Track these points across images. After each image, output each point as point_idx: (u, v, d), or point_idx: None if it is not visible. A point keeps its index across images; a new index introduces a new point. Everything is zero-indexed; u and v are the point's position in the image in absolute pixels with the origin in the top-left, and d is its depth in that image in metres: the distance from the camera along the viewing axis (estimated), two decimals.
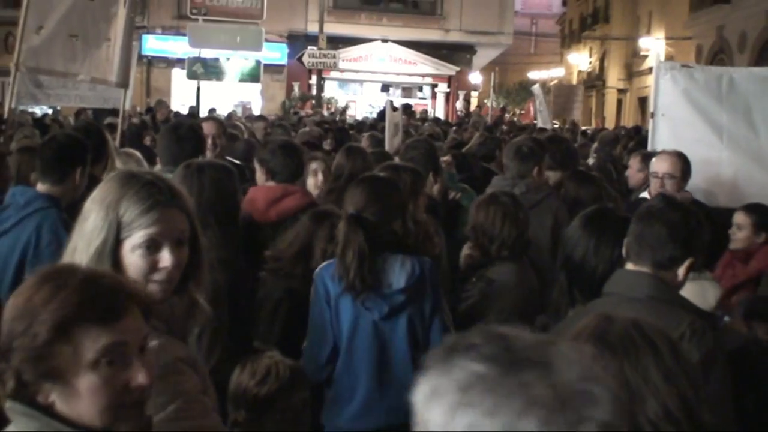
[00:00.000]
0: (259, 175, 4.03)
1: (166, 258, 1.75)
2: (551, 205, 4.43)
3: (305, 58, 19.19)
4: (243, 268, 3.08)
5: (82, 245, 1.73)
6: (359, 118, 19.31)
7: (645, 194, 4.81)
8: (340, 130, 10.35)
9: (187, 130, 3.86)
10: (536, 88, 14.24)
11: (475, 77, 29.03)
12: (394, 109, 8.23)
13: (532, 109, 20.06)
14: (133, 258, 1.73)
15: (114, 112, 9.58)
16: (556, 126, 13.15)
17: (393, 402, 2.94)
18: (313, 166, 5.20)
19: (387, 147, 6.78)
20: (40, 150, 3.53)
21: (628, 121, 30.64)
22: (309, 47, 20.18)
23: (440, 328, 3.04)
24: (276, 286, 3.30)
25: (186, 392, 1.65)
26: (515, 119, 23.44)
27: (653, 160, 4.81)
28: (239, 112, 18.42)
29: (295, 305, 3.21)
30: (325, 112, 18.66)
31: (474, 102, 28.30)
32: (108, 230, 1.72)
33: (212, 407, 1.75)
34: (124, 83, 6.80)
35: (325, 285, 3.02)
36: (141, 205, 1.73)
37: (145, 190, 1.75)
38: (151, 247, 1.74)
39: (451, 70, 25.88)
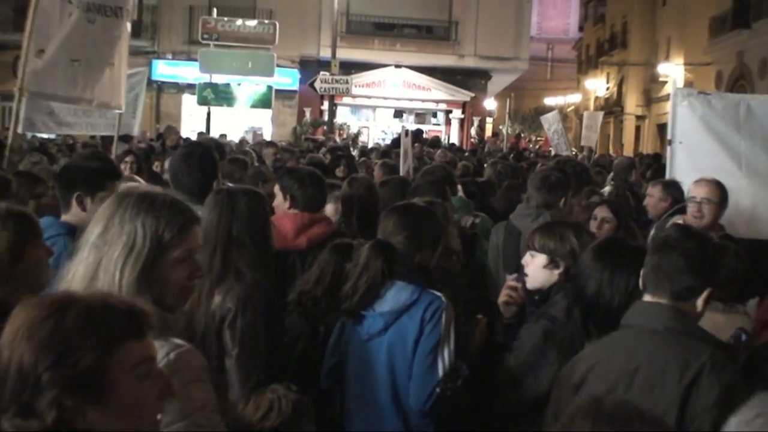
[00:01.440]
0: (279, 202, 4.05)
1: (199, 266, 2.00)
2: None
3: (317, 84, 19.04)
4: (274, 294, 3.18)
5: (114, 259, 1.88)
6: (372, 144, 19.46)
7: (679, 220, 4.75)
8: (350, 157, 10.40)
9: (199, 158, 3.88)
10: (549, 116, 14.13)
11: (490, 103, 29.11)
12: (406, 134, 8.30)
13: (546, 138, 20.06)
14: (175, 269, 1.92)
15: (125, 139, 9.67)
16: (573, 153, 13.10)
17: (370, 424, 3.01)
18: (336, 193, 5.35)
19: (401, 174, 6.80)
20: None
21: (648, 148, 30.62)
22: (321, 72, 20.07)
23: (432, 372, 2.91)
24: (298, 321, 3.38)
25: (206, 405, 1.78)
26: (530, 146, 23.45)
27: (691, 185, 4.82)
28: (250, 138, 18.65)
29: (313, 343, 3.30)
30: (337, 139, 18.72)
31: (489, 128, 28.38)
32: (149, 246, 1.89)
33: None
34: (117, 105, 6.86)
35: None
36: (178, 223, 1.93)
37: (174, 209, 1.96)
38: (188, 258, 1.95)
39: (465, 95, 25.98)
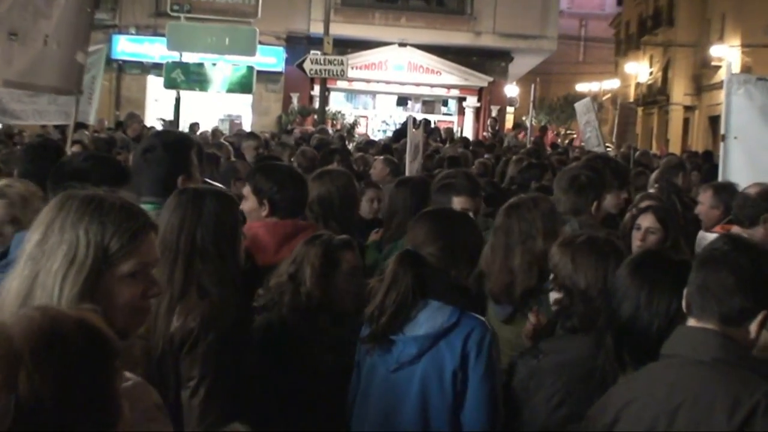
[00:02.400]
0: (252, 207, 4.04)
1: (155, 283, 1.99)
2: None
3: (307, 65, 19.08)
4: (244, 315, 3.21)
5: (53, 273, 1.86)
6: (373, 137, 19.60)
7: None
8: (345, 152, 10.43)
9: (163, 152, 3.84)
10: (582, 104, 14.09)
11: (511, 90, 28.98)
12: (416, 126, 8.29)
13: (578, 131, 19.98)
14: (125, 286, 1.92)
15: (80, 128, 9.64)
16: (609, 150, 13.08)
17: None
18: (369, 194, 5.66)
19: (407, 173, 6.88)
20: None
21: (697, 144, 30.68)
22: (311, 52, 20.23)
23: (482, 410, 3.01)
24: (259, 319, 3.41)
25: None
26: (559, 140, 23.31)
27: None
28: (226, 128, 18.56)
29: (273, 336, 3.30)
30: (330, 130, 18.68)
31: (510, 119, 28.22)
32: (93, 257, 1.88)
33: None
34: (71, 89, 6.84)
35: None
36: (128, 230, 1.92)
37: (125, 214, 1.94)
38: (141, 273, 1.95)
39: (482, 80, 25.90)
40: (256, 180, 4.07)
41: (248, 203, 4.05)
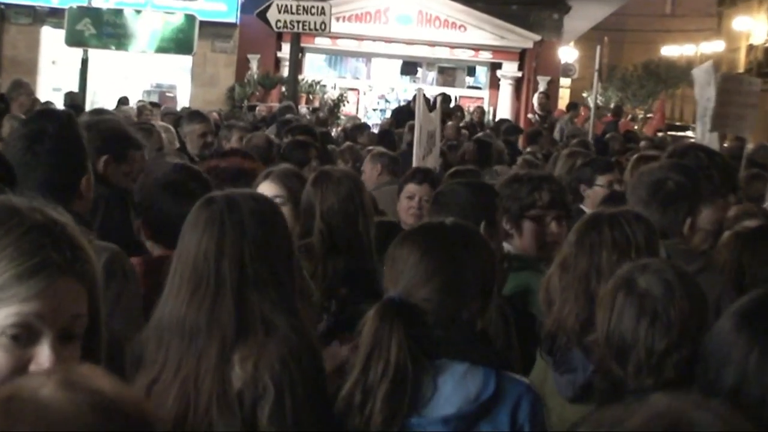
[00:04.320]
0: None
1: (44, 356, 1.89)
2: (711, 286, 4.30)
3: (272, 14, 18.80)
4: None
5: None
6: (366, 119, 20.04)
7: None
8: (324, 140, 10.56)
9: (55, 141, 3.87)
10: (702, 71, 13.63)
11: (567, 53, 29.23)
12: (430, 106, 8.33)
13: (661, 111, 19.76)
14: None
15: None
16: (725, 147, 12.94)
17: None
18: (410, 188, 5.86)
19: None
20: None
21: None
22: None
23: None
24: None
25: None
26: (635, 127, 23.67)
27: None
28: (155, 104, 17.99)
29: None
30: (304, 109, 18.51)
31: (564, 96, 28.28)
32: None
33: None
34: None
35: None
36: (18, 263, 1.89)
37: (30, 239, 1.91)
38: (23, 336, 1.89)
39: (525, 39, 25.87)
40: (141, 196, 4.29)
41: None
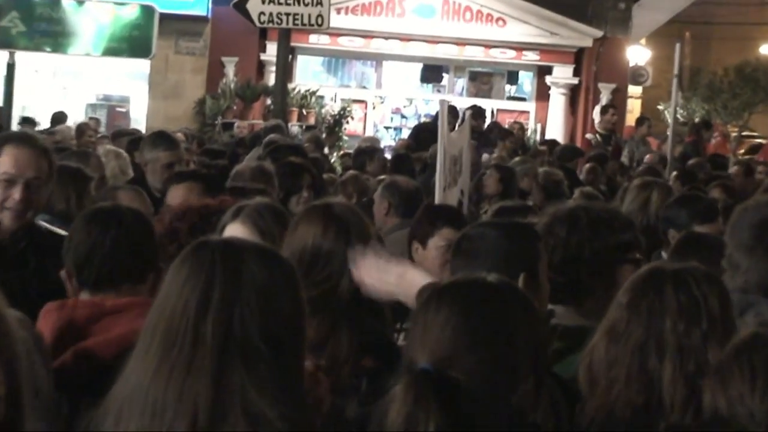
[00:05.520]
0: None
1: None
2: None
3: (253, 5, 17.73)
4: None
5: None
6: (378, 139, 20.75)
7: None
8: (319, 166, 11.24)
9: None
10: None
11: (636, 54, 28.35)
12: (457, 119, 9.59)
13: None
14: None
15: None
16: None
17: None
18: (446, 233, 6.17)
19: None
20: None
21: None
22: None
23: None
24: None
25: None
26: (730, 147, 23.69)
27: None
28: (101, 123, 19.38)
29: None
30: (295, 128, 19.05)
31: (634, 109, 28.26)
32: None
33: None
34: None
35: None
36: None
37: None
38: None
39: (583, 37, 24.96)
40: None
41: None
